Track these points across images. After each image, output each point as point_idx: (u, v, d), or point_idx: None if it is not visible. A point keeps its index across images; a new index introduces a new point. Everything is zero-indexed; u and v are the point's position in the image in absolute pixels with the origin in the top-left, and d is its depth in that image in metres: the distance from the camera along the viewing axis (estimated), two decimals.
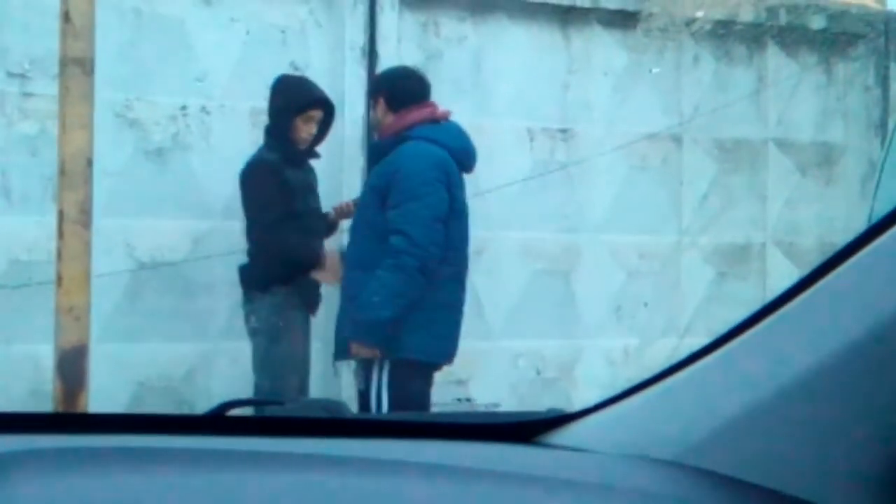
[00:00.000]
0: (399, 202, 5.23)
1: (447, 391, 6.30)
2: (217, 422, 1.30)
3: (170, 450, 1.13)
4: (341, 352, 5.47)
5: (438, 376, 5.69)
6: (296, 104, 5.70)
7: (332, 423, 1.30)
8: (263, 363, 5.67)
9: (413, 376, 5.37)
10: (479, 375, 6.47)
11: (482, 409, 6.31)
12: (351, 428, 1.28)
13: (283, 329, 5.64)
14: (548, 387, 6.62)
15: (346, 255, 5.64)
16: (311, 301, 5.77)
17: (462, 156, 5.49)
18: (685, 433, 1.10)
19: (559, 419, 1.29)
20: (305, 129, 5.72)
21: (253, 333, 5.71)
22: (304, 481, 1.11)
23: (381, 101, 5.57)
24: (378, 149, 5.67)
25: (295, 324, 5.68)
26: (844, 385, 1.02)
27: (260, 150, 5.77)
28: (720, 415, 1.08)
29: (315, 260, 5.73)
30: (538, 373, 6.67)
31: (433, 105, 5.58)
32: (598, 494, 1.12)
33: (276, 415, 1.39)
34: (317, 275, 5.72)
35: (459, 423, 1.32)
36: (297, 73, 6.10)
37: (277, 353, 5.64)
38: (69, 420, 1.26)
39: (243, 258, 5.76)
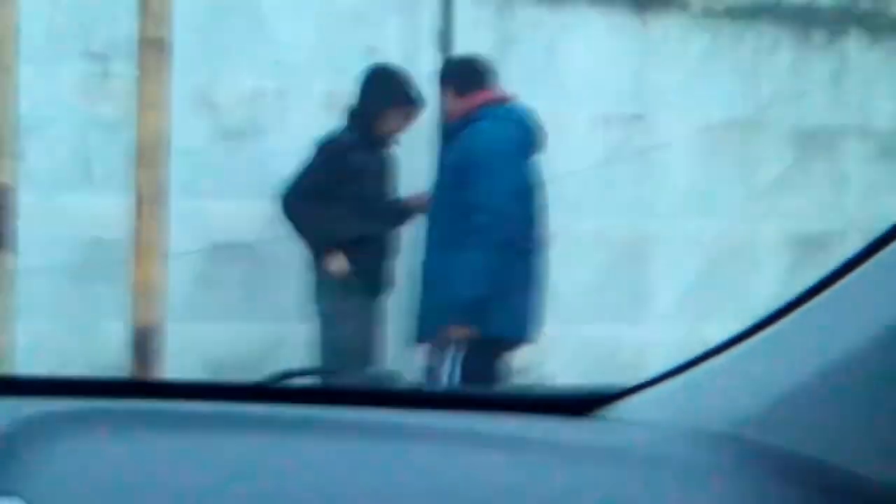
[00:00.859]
0: (477, 178, 5.25)
1: (518, 375, 6.30)
2: (274, 390, 1.32)
3: (228, 414, 1.15)
4: (426, 335, 5.45)
5: (512, 361, 5.70)
6: (395, 98, 5.74)
7: (388, 394, 1.32)
8: (325, 348, 5.69)
9: (492, 354, 5.38)
10: (551, 361, 6.46)
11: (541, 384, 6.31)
12: (408, 399, 1.29)
13: (347, 313, 5.63)
14: (621, 373, 6.60)
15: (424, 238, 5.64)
16: (376, 285, 5.76)
17: (530, 135, 5.55)
18: (736, 407, 1.12)
19: (617, 393, 1.31)
20: (396, 124, 5.77)
21: (317, 316, 5.74)
22: (358, 449, 1.12)
23: (450, 88, 5.71)
24: (448, 131, 5.73)
25: (359, 308, 5.68)
26: (887, 360, 1.04)
27: (337, 130, 5.80)
28: (770, 390, 1.10)
29: (382, 248, 5.74)
30: (611, 358, 6.65)
31: (499, 88, 5.70)
32: (650, 466, 1.15)
33: (332, 384, 1.41)
34: (328, 264, 5.69)
35: (517, 396, 1.33)
36: (379, 59, 6.11)
37: (339, 338, 5.64)
38: (135, 386, 1.29)
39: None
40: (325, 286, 5.71)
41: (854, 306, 1.09)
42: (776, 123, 7.08)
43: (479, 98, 5.58)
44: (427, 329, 5.41)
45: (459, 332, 5.27)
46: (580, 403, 1.29)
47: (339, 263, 5.66)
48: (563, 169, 6.32)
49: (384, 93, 5.74)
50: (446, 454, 1.12)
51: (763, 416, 1.09)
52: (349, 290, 5.65)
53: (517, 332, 5.43)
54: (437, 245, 5.43)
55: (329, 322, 5.70)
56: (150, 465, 1.07)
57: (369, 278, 5.74)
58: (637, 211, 6.78)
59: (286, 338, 6.08)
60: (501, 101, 5.63)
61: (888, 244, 1.12)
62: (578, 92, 6.67)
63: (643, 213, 6.79)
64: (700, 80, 6.90)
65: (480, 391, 1.73)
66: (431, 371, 5.39)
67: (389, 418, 1.20)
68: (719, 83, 6.92)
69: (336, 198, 5.63)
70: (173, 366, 4.95)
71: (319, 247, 5.73)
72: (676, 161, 6.86)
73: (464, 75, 5.72)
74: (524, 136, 5.53)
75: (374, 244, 5.75)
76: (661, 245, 6.84)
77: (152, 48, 3.94)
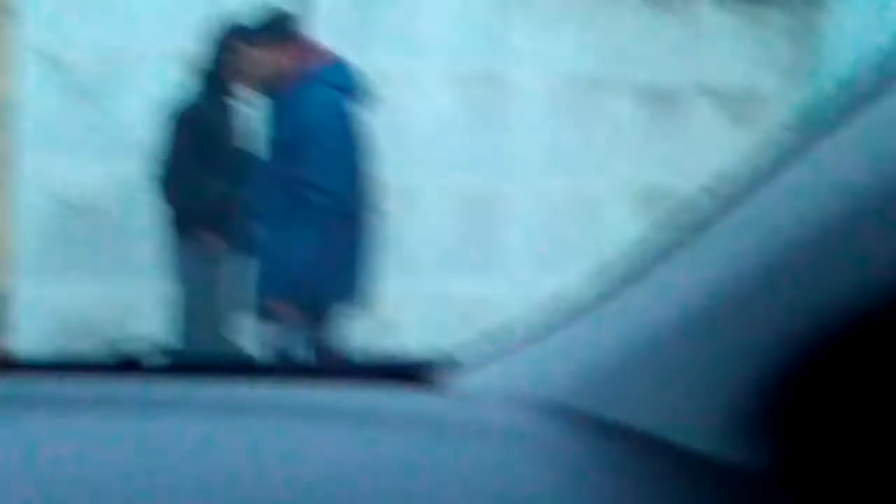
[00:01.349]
0: (316, 156, 5.08)
1: (375, 335, 6.37)
2: (119, 365, 1.35)
3: (82, 393, 1.17)
4: (266, 313, 5.27)
5: (367, 319, 5.73)
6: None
7: (223, 366, 1.35)
8: (178, 310, 5.68)
9: (334, 325, 5.30)
10: (406, 318, 6.53)
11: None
12: (244, 371, 1.32)
13: (195, 277, 5.61)
14: (474, 329, 6.70)
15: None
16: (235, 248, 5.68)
17: (358, 94, 5.31)
18: (570, 376, 1.12)
19: (456, 362, 1.30)
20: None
21: (171, 278, 5.73)
22: (188, 425, 1.13)
23: (267, 44, 5.30)
24: (272, 95, 5.34)
25: (206, 272, 5.63)
26: (722, 328, 1.04)
27: (186, 90, 5.78)
28: (603, 356, 1.10)
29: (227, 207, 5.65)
30: (466, 317, 6.75)
31: (316, 43, 5.38)
32: (478, 437, 1.12)
33: (178, 359, 1.43)
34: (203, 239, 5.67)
35: (357, 366, 1.36)
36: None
37: (190, 302, 5.63)
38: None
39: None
40: (174, 247, 5.68)
41: (694, 271, 1.08)
42: (623, 82, 7.21)
43: (303, 57, 5.24)
44: (265, 306, 5.25)
45: (293, 312, 5.17)
46: (426, 373, 1.28)
47: (211, 238, 5.64)
48: (418, 127, 6.38)
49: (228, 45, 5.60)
50: (281, 428, 1.11)
51: (592, 386, 1.09)
52: (194, 254, 5.63)
53: (349, 298, 5.31)
54: (268, 216, 5.22)
55: (186, 286, 5.68)
56: (16, 448, 1.08)
57: (230, 242, 5.68)
58: (490, 169, 6.86)
59: (142, 300, 6.05)
60: (328, 60, 5.30)
61: (727, 210, 1.11)
62: (432, 50, 6.71)
63: (496, 171, 6.88)
64: (549, 36, 6.99)
65: (327, 363, 1.72)
66: (268, 345, 5.24)
67: (220, 392, 1.21)
68: (568, 40, 7.02)
69: (194, 161, 5.57)
70: (26, 328, 4.91)
71: (189, 220, 5.68)
72: (529, 118, 6.96)
73: (282, 30, 5.32)
74: (352, 98, 5.25)
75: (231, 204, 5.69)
76: (514, 203, 6.95)
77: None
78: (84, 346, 5.81)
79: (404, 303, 6.50)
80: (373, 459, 1.07)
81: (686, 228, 1.14)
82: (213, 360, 1.45)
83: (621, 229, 7.14)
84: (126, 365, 1.35)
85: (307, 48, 5.31)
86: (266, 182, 5.27)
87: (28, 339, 5.18)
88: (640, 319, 1.11)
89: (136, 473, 1.03)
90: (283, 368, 1.36)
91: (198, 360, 1.53)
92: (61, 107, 5.92)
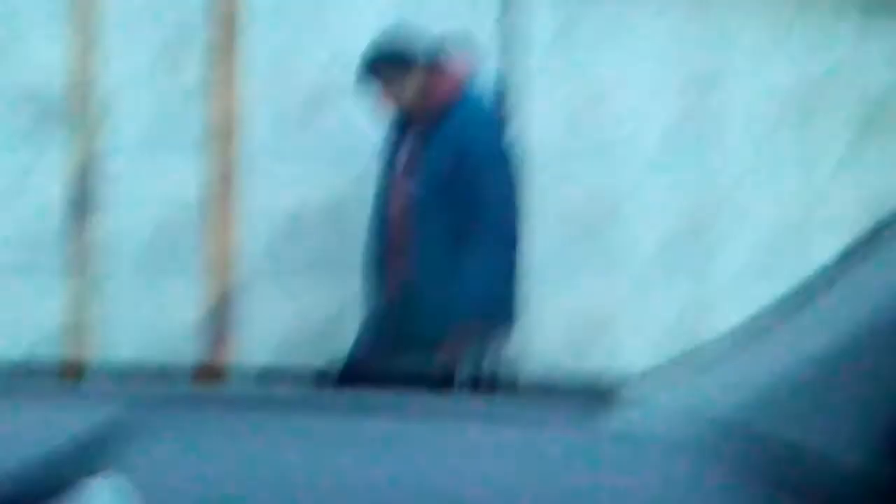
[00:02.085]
0: (485, 172, 5.12)
1: (583, 346, 6.44)
2: (323, 375, 1.48)
3: (272, 400, 1.30)
4: (438, 334, 5.26)
5: (579, 325, 5.80)
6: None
7: (425, 379, 1.46)
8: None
9: (498, 342, 5.28)
10: (613, 328, 6.57)
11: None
12: (444, 388, 1.43)
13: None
14: (677, 342, 6.71)
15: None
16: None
17: (504, 109, 5.37)
18: (735, 394, 1.21)
19: (630, 380, 1.39)
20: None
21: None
22: (387, 431, 1.24)
23: (414, 71, 5.37)
24: (428, 116, 5.37)
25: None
26: (879, 355, 1.11)
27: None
28: (768, 375, 1.19)
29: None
30: (682, 324, 6.74)
31: (462, 60, 5.41)
32: (667, 450, 1.20)
33: (369, 369, 1.55)
34: None
35: (538, 384, 1.46)
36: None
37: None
38: (205, 370, 1.43)
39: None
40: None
41: (850, 300, 1.15)
42: (838, 95, 7.07)
43: (455, 75, 5.29)
44: (438, 327, 5.25)
45: (475, 328, 5.20)
46: (596, 390, 1.39)
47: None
48: (630, 138, 6.42)
49: None
50: (478, 438, 1.22)
51: (769, 408, 1.18)
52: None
53: (513, 316, 5.28)
54: (438, 241, 5.26)
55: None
56: (241, 449, 1.21)
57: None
58: (701, 181, 6.84)
59: (357, 305, 6.25)
60: (475, 75, 5.31)
61: (880, 245, 1.18)
62: (644, 60, 6.72)
63: (707, 184, 6.85)
64: (764, 50, 6.91)
65: (501, 379, 1.81)
66: (451, 367, 5.23)
67: (430, 403, 1.32)
68: (783, 54, 6.91)
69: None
70: (249, 333, 5.13)
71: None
72: (740, 133, 6.90)
73: (426, 54, 5.37)
74: (500, 112, 5.22)
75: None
76: (724, 216, 6.90)
77: (226, 25, 4.09)
78: (307, 354, 6.02)
79: (609, 311, 6.55)
80: (562, 471, 1.17)
81: (850, 257, 1.21)
82: (409, 375, 1.57)
83: (832, 245, 7.03)
84: (339, 376, 1.49)
85: (459, 71, 5.33)
86: (434, 206, 5.27)
87: (251, 346, 5.40)
88: (806, 345, 1.19)
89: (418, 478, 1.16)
90: (472, 386, 1.46)
91: (393, 372, 1.65)
92: (283, 119, 6.17)
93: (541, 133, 6.43)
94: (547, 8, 6.48)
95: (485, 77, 5.25)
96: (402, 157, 5.45)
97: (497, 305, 5.17)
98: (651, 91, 6.72)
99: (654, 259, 6.74)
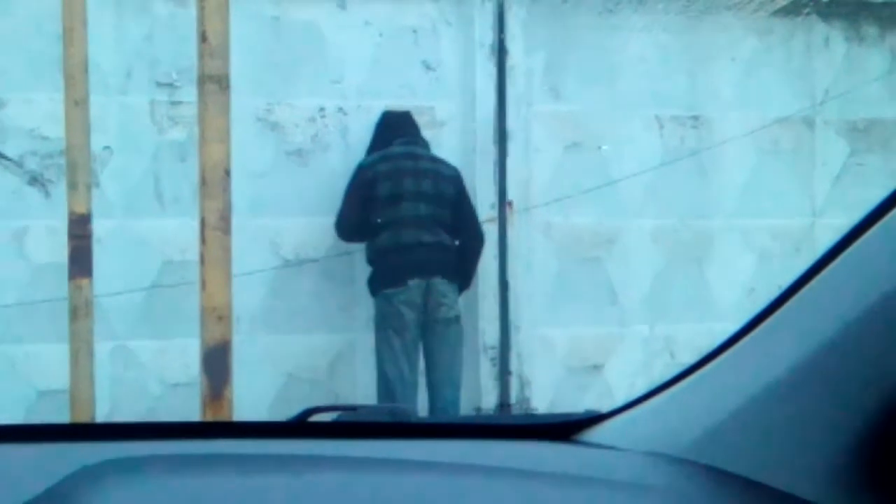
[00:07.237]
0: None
1: (584, 376, 6.46)
2: (299, 427, 1.50)
3: (255, 455, 1.32)
4: None
5: (575, 361, 5.89)
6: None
7: (397, 427, 1.50)
8: (378, 363, 5.91)
9: None
10: (613, 360, 6.60)
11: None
12: (412, 431, 1.46)
13: (391, 328, 5.84)
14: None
15: None
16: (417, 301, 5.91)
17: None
18: (689, 431, 1.23)
19: (594, 419, 1.42)
20: None
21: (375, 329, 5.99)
22: (364, 481, 1.27)
23: None
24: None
25: (402, 323, 5.86)
26: (826, 382, 1.13)
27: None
28: (717, 413, 1.20)
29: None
30: (672, 357, 6.77)
31: None
32: (612, 489, 1.24)
33: (347, 420, 1.58)
34: None
35: (506, 425, 1.49)
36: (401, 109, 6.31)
37: (388, 354, 5.85)
38: (160, 428, 1.44)
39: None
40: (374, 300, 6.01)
41: (792, 330, 1.18)
42: (831, 119, 7.13)
43: None
44: None
45: None
46: (561, 429, 1.41)
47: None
48: (621, 172, 6.47)
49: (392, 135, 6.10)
50: (440, 483, 1.25)
51: (709, 440, 1.20)
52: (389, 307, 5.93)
53: None
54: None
55: (377, 335, 5.97)
56: None
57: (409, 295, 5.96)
58: (695, 211, 6.88)
59: (356, 348, 6.29)
60: None
61: (809, 280, 1.21)
62: (633, 95, 6.78)
63: (701, 212, 6.89)
64: (752, 79, 6.97)
65: (476, 421, 1.85)
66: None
67: (393, 451, 1.35)
68: (772, 82, 6.98)
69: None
70: (249, 380, 5.17)
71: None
72: (732, 160, 6.95)
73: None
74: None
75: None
76: (720, 244, 6.95)
77: (212, 84, 4.14)
78: (304, 393, 6.06)
79: (612, 345, 6.57)
80: None
81: (787, 290, 1.23)
82: (372, 421, 1.59)
83: None
84: (295, 427, 1.51)
85: None
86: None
87: (251, 390, 5.45)
88: (751, 377, 1.21)
89: None
90: (440, 427, 1.49)
91: (373, 421, 1.68)
92: (276, 166, 6.23)
93: (531, 173, 6.49)
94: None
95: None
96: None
97: None
98: (641, 126, 6.77)
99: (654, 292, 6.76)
